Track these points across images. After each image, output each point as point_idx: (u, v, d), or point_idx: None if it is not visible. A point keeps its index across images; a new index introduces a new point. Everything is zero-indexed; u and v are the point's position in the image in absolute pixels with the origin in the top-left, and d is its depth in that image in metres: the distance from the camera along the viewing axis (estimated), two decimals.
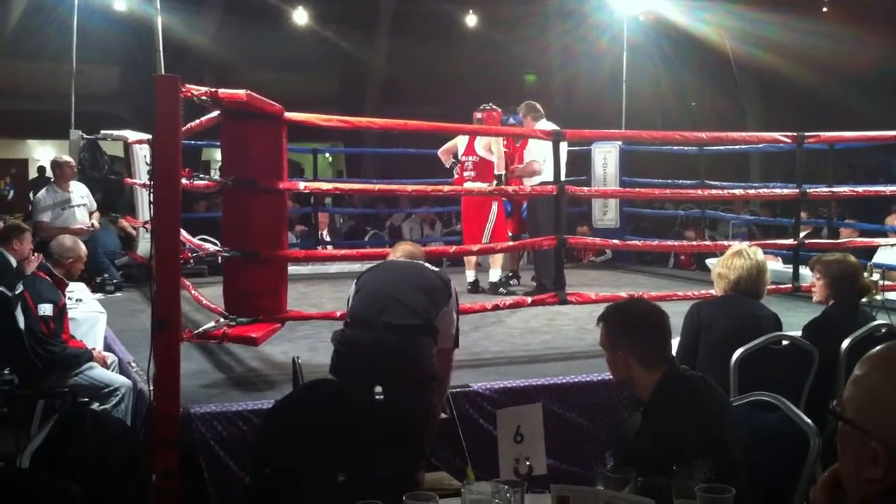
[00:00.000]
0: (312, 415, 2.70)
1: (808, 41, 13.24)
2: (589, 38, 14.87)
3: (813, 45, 13.19)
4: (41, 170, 16.63)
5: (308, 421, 2.67)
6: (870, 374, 1.44)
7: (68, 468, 2.77)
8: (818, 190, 6.98)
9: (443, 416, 3.86)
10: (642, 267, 9.61)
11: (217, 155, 13.92)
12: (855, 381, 1.46)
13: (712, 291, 4.41)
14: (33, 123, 16.96)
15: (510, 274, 7.83)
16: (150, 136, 6.66)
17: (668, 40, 15.19)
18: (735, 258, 4.05)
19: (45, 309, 4.81)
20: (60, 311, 4.97)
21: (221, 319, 4.58)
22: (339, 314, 4.68)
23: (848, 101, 13.95)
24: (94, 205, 8.16)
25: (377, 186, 6.74)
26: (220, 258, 4.89)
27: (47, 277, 5.01)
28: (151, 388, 3.62)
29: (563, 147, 5.74)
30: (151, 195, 3.68)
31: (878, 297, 4.88)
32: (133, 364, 4.97)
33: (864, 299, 4.41)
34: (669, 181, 8.76)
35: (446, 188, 7.22)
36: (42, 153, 18.99)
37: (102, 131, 8.91)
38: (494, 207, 7.19)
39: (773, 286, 5.09)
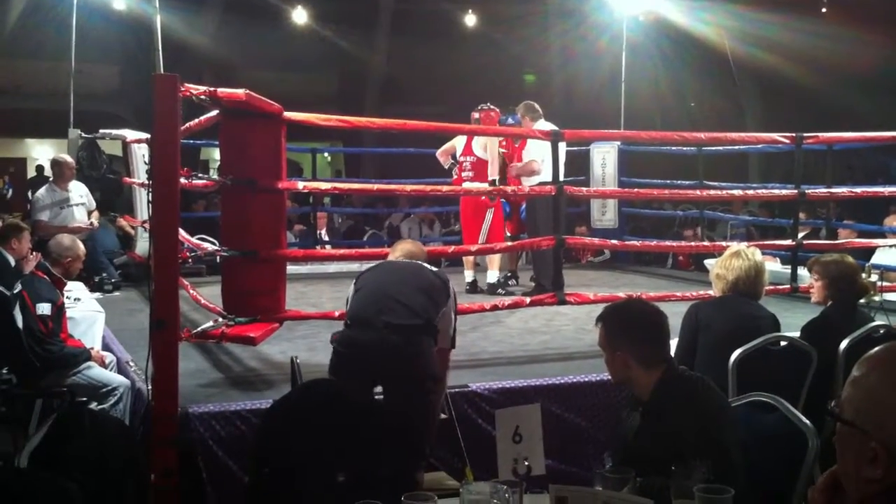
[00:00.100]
0: (311, 415, 2.69)
1: (808, 41, 13.23)
2: (588, 38, 14.86)
3: (812, 46, 13.18)
4: (40, 169, 16.64)
5: (307, 421, 2.67)
6: (868, 375, 1.44)
7: (67, 467, 2.77)
8: (817, 191, 6.98)
9: (441, 416, 3.86)
10: (641, 267, 9.59)
11: (216, 154, 13.95)
12: (853, 382, 1.46)
13: (711, 292, 4.41)
14: (32, 122, 16.97)
15: (509, 274, 7.83)
16: (148, 136, 6.65)
17: (667, 40, 15.18)
18: (733, 259, 4.05)
19: (44, 308, 4.80)
20: (59, 310, 4.95)
21: (220, 319, 4.58)
22: (337, 314, 4.68)
23: (847, 101, 13.93)
24: (93, 204, 8.15)
25: (376, 186, 6.75)
26: (218, 258, 4.89)
27: (45, 276, 5.00)
28: (150, 387, 3.61)
29: (562, 147, 5.73)
30: (150, 194, 3.68)
31: (877, 298, 4.87)
32: (131, 363, 4.96)
33: (862, 300, 4.41)
34: (668, 181, 8.76)
35: (445, 188, 7.23)
36: (41, 152, 19.01)
37: (101, 130, 8.88)
38: (490, 211, 7.17)
39: (772, 287, 5.10)
